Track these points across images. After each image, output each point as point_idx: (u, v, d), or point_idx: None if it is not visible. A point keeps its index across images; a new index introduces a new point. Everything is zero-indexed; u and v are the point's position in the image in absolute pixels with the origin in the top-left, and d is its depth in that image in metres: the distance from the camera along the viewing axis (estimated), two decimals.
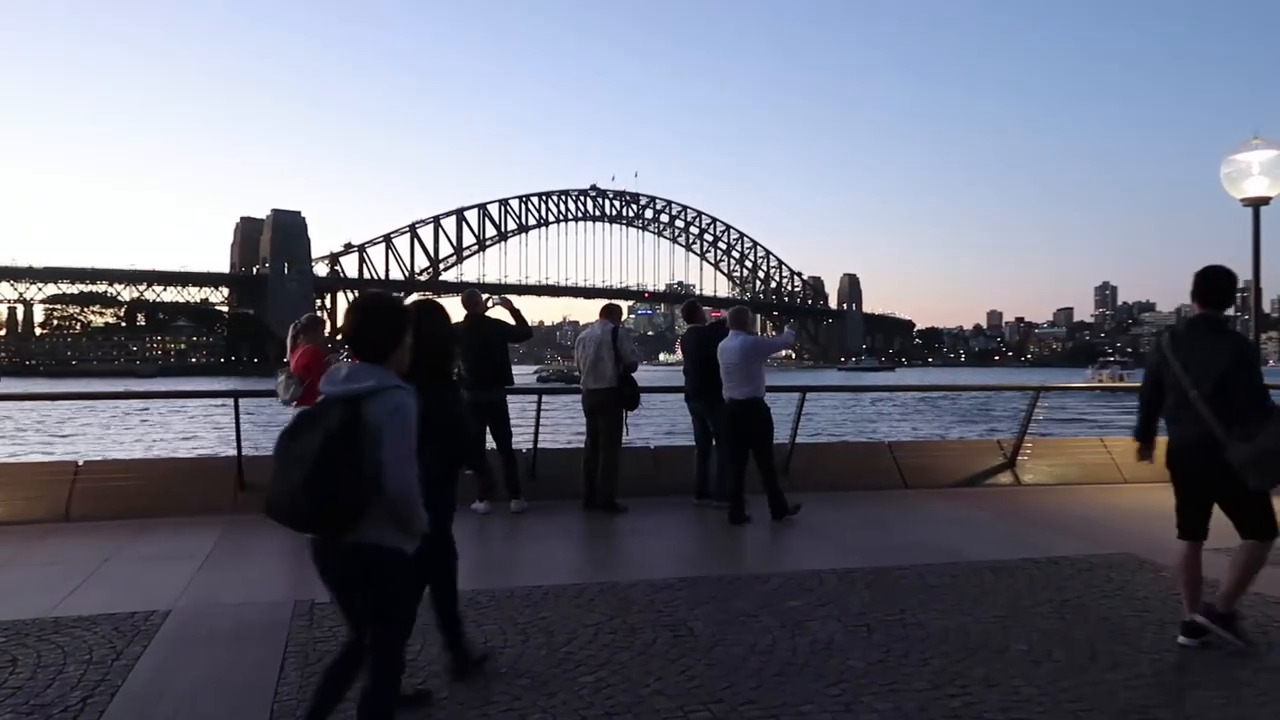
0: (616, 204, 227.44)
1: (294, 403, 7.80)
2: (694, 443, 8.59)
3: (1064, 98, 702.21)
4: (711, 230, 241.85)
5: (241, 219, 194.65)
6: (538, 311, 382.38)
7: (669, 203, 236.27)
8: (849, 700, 3.73)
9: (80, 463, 8.59)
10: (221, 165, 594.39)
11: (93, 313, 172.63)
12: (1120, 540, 6.84)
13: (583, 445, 8.46)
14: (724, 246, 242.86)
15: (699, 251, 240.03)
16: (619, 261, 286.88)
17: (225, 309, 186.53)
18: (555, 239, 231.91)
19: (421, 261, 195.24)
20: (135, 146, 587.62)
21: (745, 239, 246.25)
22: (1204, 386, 4.28)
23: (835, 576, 5.72)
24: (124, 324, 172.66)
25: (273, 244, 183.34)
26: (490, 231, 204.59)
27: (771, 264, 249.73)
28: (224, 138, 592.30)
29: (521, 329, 8.29)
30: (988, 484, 9.72)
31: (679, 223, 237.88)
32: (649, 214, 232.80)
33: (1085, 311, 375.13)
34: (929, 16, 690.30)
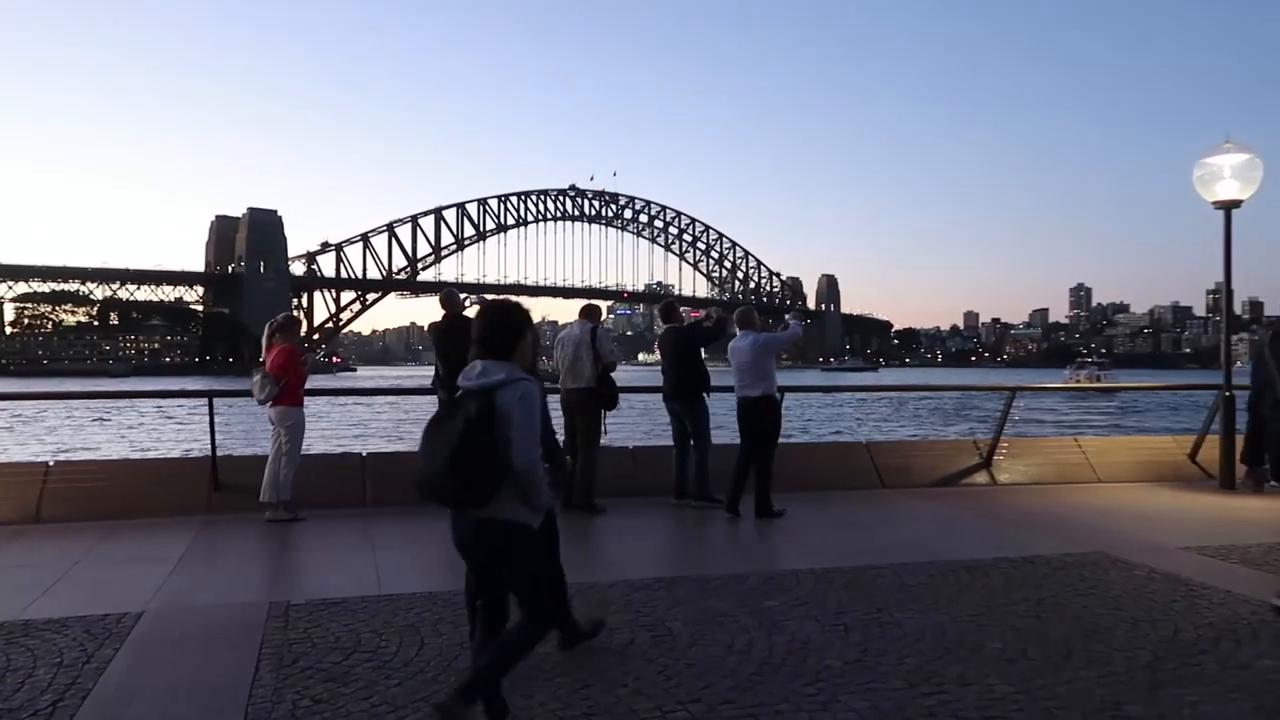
0: (595, 204, 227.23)
1: (269, 402, 7.75)
2: (672, 443, 8.60)
3: (1039, 101, 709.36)
4: (690, 230, 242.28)
5: (217, 217, 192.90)
6: None
7: (648, 203, 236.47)
8: (826, 700, 3.74)
9: (51, 463, 8.49)
10: (197, 163, 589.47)
11: (64, 311, 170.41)
12: (1094, 539, 6.91)
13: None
14: (703, 247, 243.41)
15: (678, 251, 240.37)
16: (598, 261, 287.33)
17: (200, 308, 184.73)
18: (534, 239, 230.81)
19: (399, 261, 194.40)
20: (109, 144, 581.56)
21: (724, 239, 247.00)
22: None
23: (813, 576, 5.74)
24: (96, 323, 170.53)
25: (249, 243, 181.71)
26: (469, 231, 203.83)
27: (750, 264, 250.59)
28: (200, 136, 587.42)
29: None
30: (964, 484, 9.79)
31: (658, 223, 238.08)
32: (628, 214, 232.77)
33: (1060, 312, 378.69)
34: (907, 20, 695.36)
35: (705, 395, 8.30)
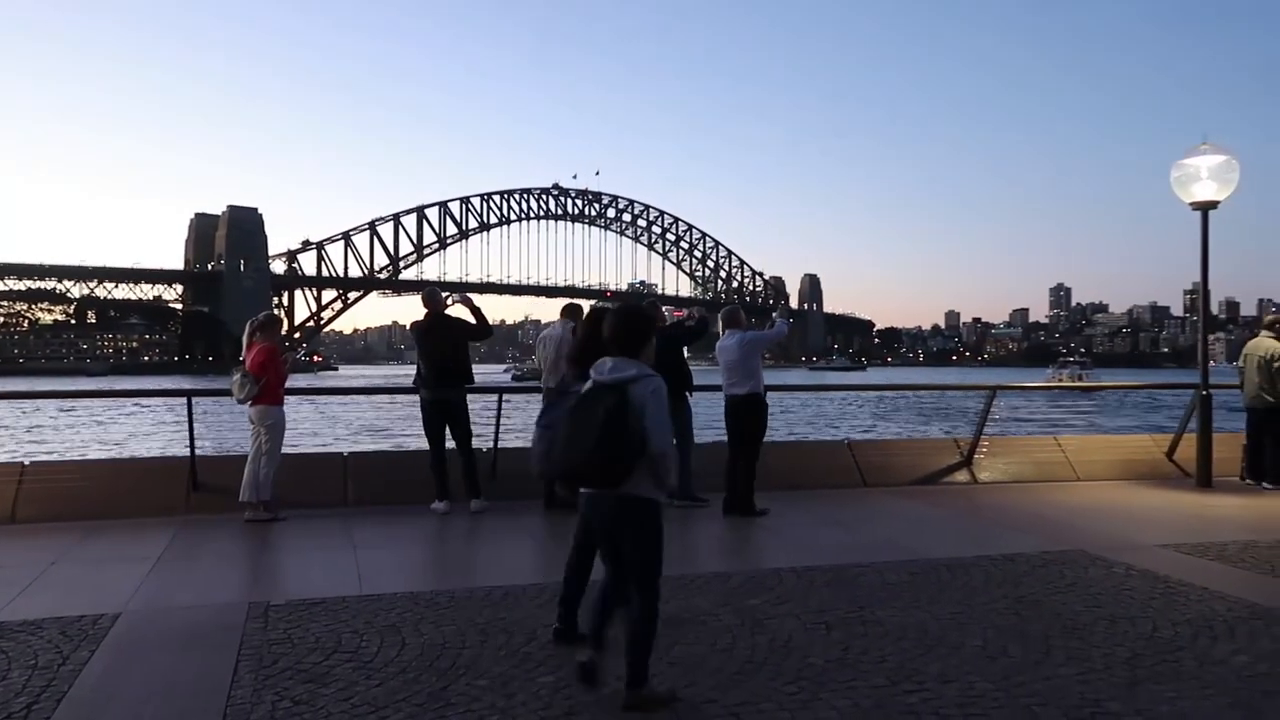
0: (579, 203, 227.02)
1: (249, 402, 7.69)
2: None
3: (1020, 103, 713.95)
4: (673, 229, 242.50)
5: (196, 215, 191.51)
6: (499, 310, 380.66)
7: (631, 202, 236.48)
8: (808, 698, 3.74)
9: (26, 463, 8.40)
10: (176, 161, 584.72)
11: (41, 310, 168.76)
12: (1073, 537, 6.96)
13: None
14: (686, 246, 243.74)
15: (661, 251, 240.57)
16: (581, 260, 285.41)
17: (179, 307, 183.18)
18: (517, 237, 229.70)
19: (381, 259, 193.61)
20: (86, 141, 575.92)
21: (707, 238, 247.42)
22: None
23: (795, 575, 5.75)
24: (74, 321, 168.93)
25: (229, 241, 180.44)
26: (451, 229, 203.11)
27: (733, 264, 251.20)
28: (179, 133, 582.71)
29: (482, 328, 8.25)
30: (945, 482, 9.84)
31: (641, 222, 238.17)
32: (611, 213, 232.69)
33: (1040, 312, 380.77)
34: (889, 21, 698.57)
35: (687, 394, 8.30)
